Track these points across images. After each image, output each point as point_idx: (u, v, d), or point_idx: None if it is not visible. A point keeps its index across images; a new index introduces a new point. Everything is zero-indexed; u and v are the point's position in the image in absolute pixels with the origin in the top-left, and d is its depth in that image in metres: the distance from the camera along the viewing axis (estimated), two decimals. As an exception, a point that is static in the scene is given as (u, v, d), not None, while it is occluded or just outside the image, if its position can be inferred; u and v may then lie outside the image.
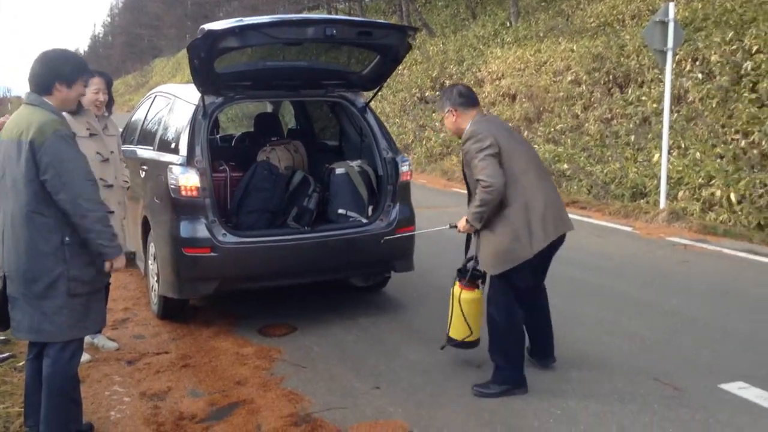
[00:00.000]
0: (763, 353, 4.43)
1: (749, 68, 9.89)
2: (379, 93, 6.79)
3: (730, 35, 10.67)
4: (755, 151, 8.85)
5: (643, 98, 11.31)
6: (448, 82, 17.25)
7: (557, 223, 3.84)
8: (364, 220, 5.32)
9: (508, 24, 18.86)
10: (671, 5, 8.68)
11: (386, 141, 5.53)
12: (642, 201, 9.38)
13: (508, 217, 3.74)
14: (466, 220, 3.86)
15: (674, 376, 4.12)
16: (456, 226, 4.00)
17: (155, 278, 5.22)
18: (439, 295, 5.85)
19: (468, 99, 3.98)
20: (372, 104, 5.76)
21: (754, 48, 10.07)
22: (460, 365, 4.35)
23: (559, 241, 3.90)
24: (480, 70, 16.55)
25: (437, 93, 17.34)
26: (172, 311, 5.26)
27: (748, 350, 4.49)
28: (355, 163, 5.61)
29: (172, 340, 4.96)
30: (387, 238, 5.11)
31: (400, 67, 19.09)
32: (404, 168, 5.45)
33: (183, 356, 4.61)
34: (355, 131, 5.91)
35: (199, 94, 5.01)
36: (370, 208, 5.45)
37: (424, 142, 15.51)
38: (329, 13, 30.42)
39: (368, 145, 5.65)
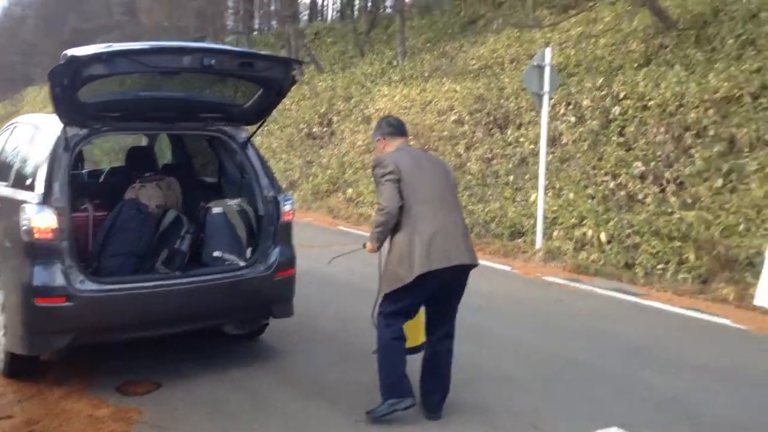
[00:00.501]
0: (638, 398, 4.52)
1: (617, 113, 10.48)
2: (266, 128, 6.58)
3: (600, 81, 11.30)
4: (623, 193, 9.33)
5: (522, 139, 11.73)
6: (336, 119, 17.27)
7: (449, 253, 3.91)
8: (242, 264, 5.07)
9: (395, 63, 19.20)
10: (547, 51, 9.07)
11: (268, 179, 5.32)
12: (520, 240, 9.63)
13: (396, 241, 3.97)
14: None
15: (553, 421, 4.13)
16: (366, 245, 4.21)
17: (1, 332, 4.70)
18: (321, 339, 5.67)
19: (395, 129, 4.28)
20: (257, 139, 5.54)
21: (622, 94, 10.70)
22: (340, 417, 4.16)
23: (457, 275, 4.00)
24: (368, 107, 16.68)
25: (325, 129, 17.30)
26: (20, 369, 4.70)
27: (625, 395, 4.58)
28: (233, 202, 5.36)
29: (18, 401, 4.42)
30: (267, 281, 4.89)
31: (287, 102, 19.08)
32: (286, 207, 5.25)
33: (28, 421, 4.11)
34: (236, 168, 5.65)
35: (61, 126, 4.62)
36: (248, 251, 5.21)
37: (311, 179, 15.35)
38: (216, 44, 29.91)
39: (249, 182, 5.40)
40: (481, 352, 5.36)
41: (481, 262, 8.63)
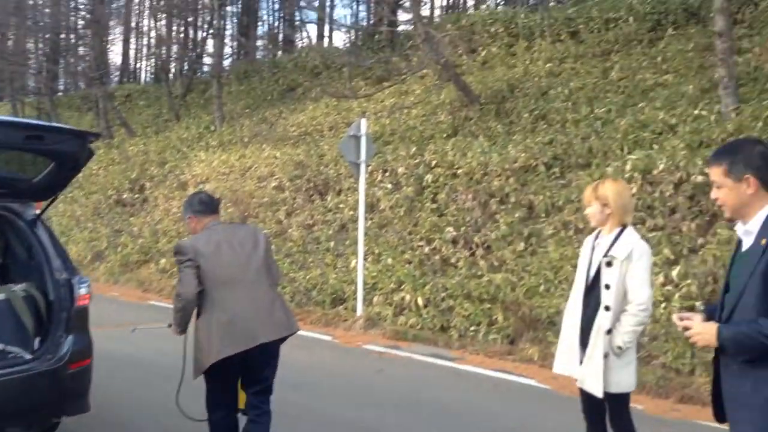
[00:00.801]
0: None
1: (430, 180, 10.99)
2: (69, 194, 6.06)
3: (413, 150, 11.83)
4: (437, 257, 9.70)
5: (342, 205, 11.89)
6: (149, 185, 16.49)
7: (253, 333, 3.94)
8: (28, 356, 4.51)
9: (212, 128, 18.88)
10: (363, 121, 9.34)
11: (60, 259, 4.82)
12: (341, 307, 9.62)
13: (197, 326, 4.01)
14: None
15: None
16: (171, 326, 4.18)
17: None
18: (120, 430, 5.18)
19: (206, 207, 4.26)
20: (60, 206, 5.06)
21: (433, 162, 11.26)
22: None
23: (268, 348, 4.01)
24: (184, 173, 16.14)
25: (136, 195, 16.45)
26: None
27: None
28: (19, 287, 4.78)
29: None
30: (58, 375, 4.38)
31: (94, 167, 17.97)
32: (81, 291, 4.76)
33: None
34: (23, 248, 5.09)
35: None
36: (36, 341, 4.66)
37: (119, 249, 14.34)
38: (15, 107, 27.63)
39: (38, 264, 4.87)
40: (299, 433, 5.16)
41: (303, 333, 8.49)
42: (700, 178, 8.04)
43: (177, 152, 17.83)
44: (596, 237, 3.81)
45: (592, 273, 3.71)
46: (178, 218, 14.33)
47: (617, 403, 3.66)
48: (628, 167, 8.82)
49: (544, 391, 6.32)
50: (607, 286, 3.61)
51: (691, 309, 6.95)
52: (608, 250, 3.65)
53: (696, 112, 9.63)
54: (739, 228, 2.63)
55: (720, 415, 2.72)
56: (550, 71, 13.44)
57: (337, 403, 5.97)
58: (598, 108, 11.11)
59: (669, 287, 7.31)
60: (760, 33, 11.53)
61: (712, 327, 2.55)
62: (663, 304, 7.02)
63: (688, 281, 7.22)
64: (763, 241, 2.47)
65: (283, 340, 4.12)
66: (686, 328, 2.64)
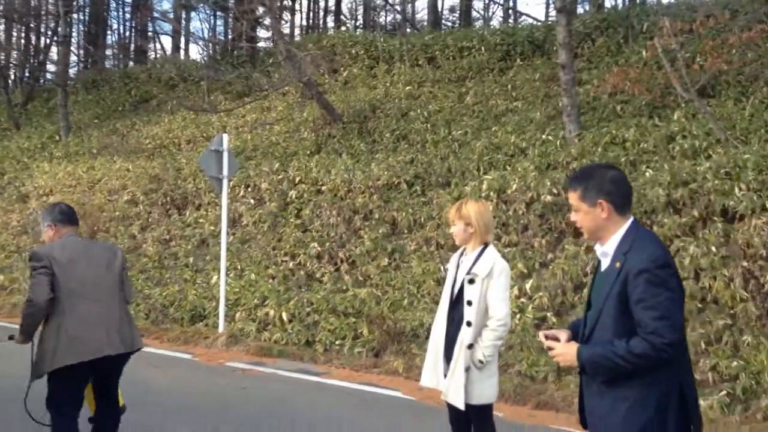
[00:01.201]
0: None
1: (294, 196, 10.96)
2: None
3: (276, 165, 11.75)
4: (302, 272, 9.66)
5: (201, 220, 11.53)
6: (-17, 196, 15.12)
7: (99, 344, 4.03)
8: None
9: (57, 138, 17.69)
10: (225, 136, 9.14)
11: None
12: (201, 324, 9.29)
13: (43, 333, 4.07)
14: None
15: None
16: (12, 337, 4.23)
17: None
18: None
19: (66, 217, 4.30)
20: None
21: (297, 178, 11.24)
22: None
23: (110, 363, 4.14)
24: (24, 185, 14.95)
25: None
26: None
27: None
28: None
29: None
30: None
31: None
32: None
33: None
34: None
35: None
36: None
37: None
38: None
39: None
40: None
41: (160, 351, 8.21)
42: (549, 198, 8.63)
43: (17, 163, 16.52)
44: (461, 254, 3.97)
45: (456, 289, 3.85)
46: (18, 232, 13.25)
47: (480, 413, 3.79)
48: (484, 187, 9.29)
49: (409, 402, 6.45)
50: (470, 303, 3.75)
51: (543, 319, 7.43)
52: (471, 268, 3.79)
53: (543, 136, 10.35)
54: (598, 249, 2.76)
55: (585, 423, 2.84)
56: (409, 93, 13.91)
57: (197, 425, 5.73)
58: (455, 130, 11.62)
59: (523, 299, 7.75)
60: (597, 67, 12.63)
61: (573, 347, 2.69)
62: (518, 315, 7.42)
63: (540, 293, 7.70)
64: (618, 264, 2.60)
65: (128, 355, 4.27)
66: (550, 348, 2.77)
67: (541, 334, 2.87)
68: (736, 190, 7.41)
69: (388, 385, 6.94)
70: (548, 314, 7.44)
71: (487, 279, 3.73)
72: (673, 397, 2.54)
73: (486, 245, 3.85)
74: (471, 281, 3.77)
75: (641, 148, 9.12)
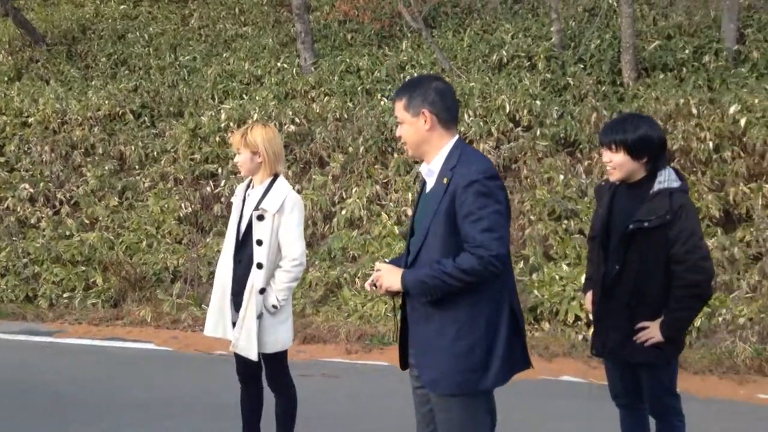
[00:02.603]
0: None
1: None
2: None
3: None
4: (12, 219, 8.32)
5: None
6: None
7: None
8: None
9: None
10: None
11: None
12: None
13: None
14: None
15: None
16: None
17: None
18: None
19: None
20: None
21: None
22: None
23: None
24: None
25: None
26: None
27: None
28: None
29: None
30: None
31: None
32: None
33: None
34: None
35: None
36: None
37: None
38: None
39: None
40: None
41: None
42: (292, 128, 8.45)
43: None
44: (247, 187, 3.55)
45: (243, 227, 3.44)
46: None
47: (275, 361, 3.48)
48: (223, 117, 8.77)
49: (166, 354, 5.96)
50: (259, 242, 3.36)
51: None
52: (259, 203, 3.39)
53: (279, 64, 10.04)
54: (423, 168, 2.65)
55: (405, 363, 2.76)
56: (125, 13, 12.47)
57: None
58: (182, 55, 10.76)
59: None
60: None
61: (397, 271, 2.57)
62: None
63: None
64: (445, 180, 2.51)
65: None
66: (374, 285, 2.63)
67: (367, 285, 2.72)
68: (466, 116, 7.94)
69: (137, 338, 6.34)
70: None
71: (279, 215, 3.35)
72: (503, 314, 2.54)
73: (276, 176, 3.46)
74: (260, 218, 3.37)
75: (375, 77, 9.30)
